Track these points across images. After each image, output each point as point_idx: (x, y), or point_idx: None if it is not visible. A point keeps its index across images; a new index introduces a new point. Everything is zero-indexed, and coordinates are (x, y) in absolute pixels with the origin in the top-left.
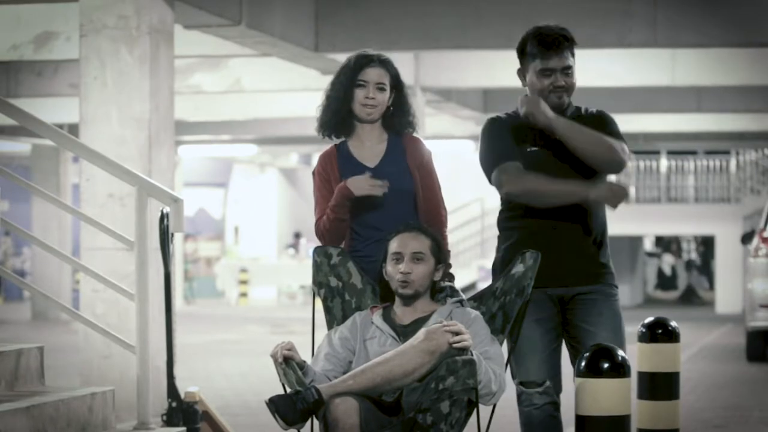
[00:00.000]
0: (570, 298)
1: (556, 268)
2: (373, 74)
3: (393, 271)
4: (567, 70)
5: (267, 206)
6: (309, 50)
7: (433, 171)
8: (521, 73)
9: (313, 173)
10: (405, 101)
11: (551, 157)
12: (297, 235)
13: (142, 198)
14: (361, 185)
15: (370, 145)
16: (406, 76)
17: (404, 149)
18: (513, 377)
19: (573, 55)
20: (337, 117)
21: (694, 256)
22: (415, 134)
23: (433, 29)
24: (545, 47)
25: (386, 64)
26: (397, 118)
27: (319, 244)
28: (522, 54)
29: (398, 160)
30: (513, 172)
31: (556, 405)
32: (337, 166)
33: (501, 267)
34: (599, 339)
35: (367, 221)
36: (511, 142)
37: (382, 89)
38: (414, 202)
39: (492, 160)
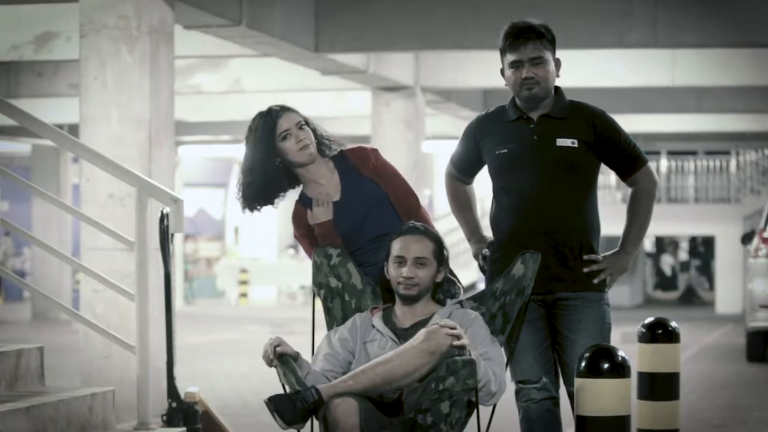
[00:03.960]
0: (552, 303)
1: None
2: (287, 121)
3: (395, 274)
4: (535, 61)
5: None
6: (309, 50)
7: (388, 165)
8: (502, 72)
9: (295, 236)
10: (314, 128)
11: (517, 160)
12: None
13: (142, 198)
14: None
15: (325, 181)
16: (406, 77)
17: (354, 165)
18: (511, 377)
19: (549, 49)
20: (279, 176)
21: (686, 257)
22: (349, 146)
23: (433, 29)
24: (513, 39)
25: (289, 109)
26: (322, 144)
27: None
28: (500, 52)
29: (356, 177)
30: (447, 176)
31: (555, 400)
32: (310, 219)
33: (490, 268)
34: (578, 347)
35: (358, 240)
36: (470, 148)
37: (302, 128)
38: (391, 202)
39: (451, 158)
